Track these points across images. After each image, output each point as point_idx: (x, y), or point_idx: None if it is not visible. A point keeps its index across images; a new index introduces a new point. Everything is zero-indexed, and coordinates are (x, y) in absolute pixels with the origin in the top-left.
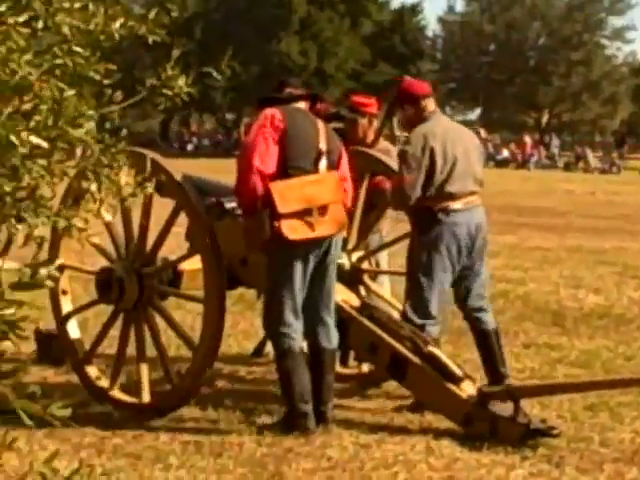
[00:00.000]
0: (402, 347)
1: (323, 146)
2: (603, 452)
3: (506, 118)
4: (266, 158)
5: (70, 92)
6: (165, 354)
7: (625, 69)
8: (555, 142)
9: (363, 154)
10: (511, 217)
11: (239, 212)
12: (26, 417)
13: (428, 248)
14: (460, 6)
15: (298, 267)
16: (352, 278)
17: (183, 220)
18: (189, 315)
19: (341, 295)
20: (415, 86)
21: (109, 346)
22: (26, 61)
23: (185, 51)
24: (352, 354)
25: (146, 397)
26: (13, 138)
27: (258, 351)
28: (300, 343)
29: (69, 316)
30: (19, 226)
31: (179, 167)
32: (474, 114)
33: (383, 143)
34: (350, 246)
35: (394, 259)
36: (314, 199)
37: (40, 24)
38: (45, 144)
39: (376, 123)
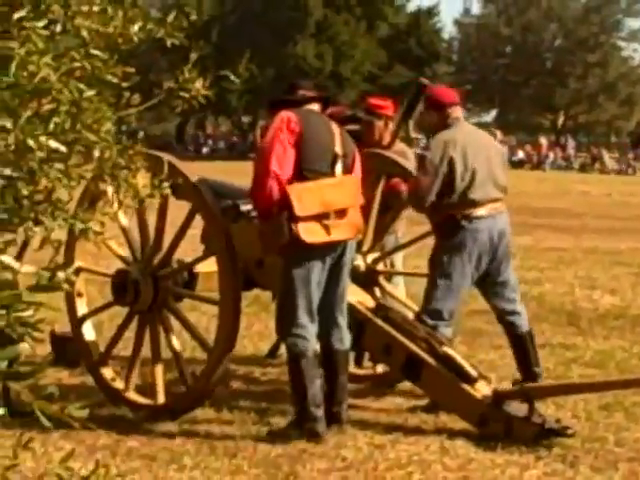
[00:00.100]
0: (417, 348)
1: (339, 149)
2: (618, 452)
3: (522, 120)
4: (283, 162)
5: (90, 92)
6: (180, 356)
7: None
8: (571, 143)
9: (379, 156)
10: (527, 218)
11: (254, 214)
12: (44, 418)
13: (450, 253)
14: (476, 8)
15: (314, 270)
16: (367, 279)
17: (198, 222)
18: (204, 317)
19: (356, 296)
20: (443, 93)
21: (124, 348)
22: (45, 63)
23: (202, 54)
24: (367, 355)
25: (161, 398)
26: (31, 142)
27: (272, 352)
28: (314, 346)
29: (84, 318)
30: (36, 229)
31: (195, 170)
32: (490, 116)
33: (399, 145)
34: (365, 247)
35: (409, 260)
36: (332, 203)
37: (59, 28)
38: (63, 148)
39: (392, 125)
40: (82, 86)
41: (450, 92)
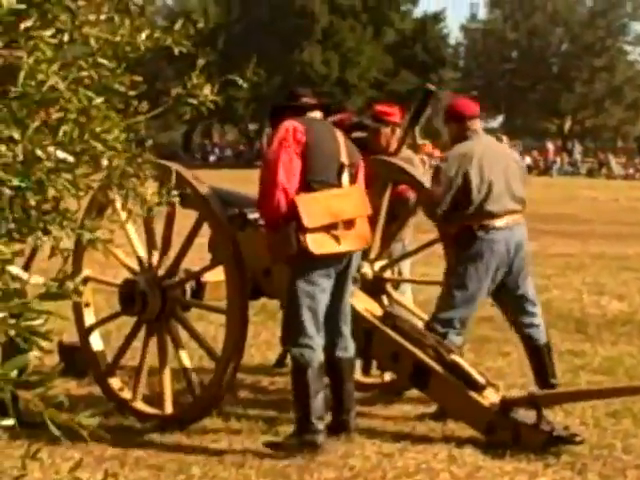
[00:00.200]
0: (425, 356)
1: (345, 159)
2: (626, 459)
3: (528, 125)
4: (290, 174)
5: (99, 100)
6: (187, 365)
7: None
8: (577, 148)
9: (386, 163)
10: (534, 224)
11: (262, 223)
12: (54, 426)
13: (466, 263)
14: (482, 14)
15: (321, 280)
16: (375, 287)
17: (206, 231)
18: (211, 326)
19: (364, 304)
20: (464, 106)
21: (132, 358)
22: (54, 71)
23: (208, 61)
24: (374, 363)
25: (169, 408)
26: (39, 152)
27: (280, 361)
28: (320, 357)
29: (92, 328)
30: (45, 238)
31: (202, 178)
32: (496, 122)
33: (406, 152)
34: (373, 255)
35: (416, 268)
36: (340, 213)
37: (66, 37)
38: (71, 158)
39: (399, 132)
40: (91, 94)
41: (471, 104)
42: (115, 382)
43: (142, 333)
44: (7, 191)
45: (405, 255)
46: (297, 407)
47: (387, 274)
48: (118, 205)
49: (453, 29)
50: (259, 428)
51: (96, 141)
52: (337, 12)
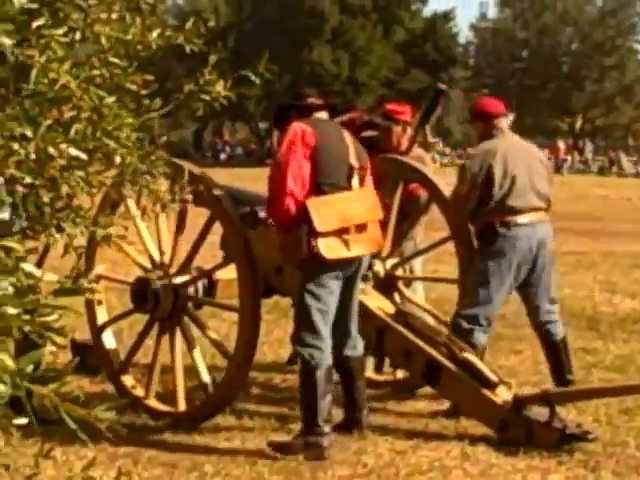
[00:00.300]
0: (437, 353)
1: (354, 161)
2: (639, 456)
3: (539, 124)
4: (299, 178)
5: (110, 99)
6: (200, 363)
7: None
8: (588, 147)
9: (397, 162)
10: None
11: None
12: (71, 421)
13: (488, 259)
14: (492, 13)
15: (330, 283)
16: (387, 285)
17: (217, 229)
18: (224, 324)
19: (376, 302)
20: (490, 105)
21: (144, 355)
22: (65, 70)
23: (219, 59)
24: (387, 361)
25: (182, 406)
26: (52, 150)
27: (292, 359)
28: (329, 359)
29: (104, 326)
30: (58, 236)
31: (213, 176)
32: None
33: (417, 150)
34: (384, 253)
35: (428, 266)
36: (352, 217)
37: (78, 35)
38: (84, 155)
39: (410, 131)
40: (102, 93)
41: (496, 103)
42: (128, 380)
43: (154, 331)
44: (20, 189)
45: (417, 253)
46: (304, 408)
47: (399, 272)
48: (131, 202)
49: (463, 28)
50: (271, 426)
51: (108, 138)
52: (347, 11)
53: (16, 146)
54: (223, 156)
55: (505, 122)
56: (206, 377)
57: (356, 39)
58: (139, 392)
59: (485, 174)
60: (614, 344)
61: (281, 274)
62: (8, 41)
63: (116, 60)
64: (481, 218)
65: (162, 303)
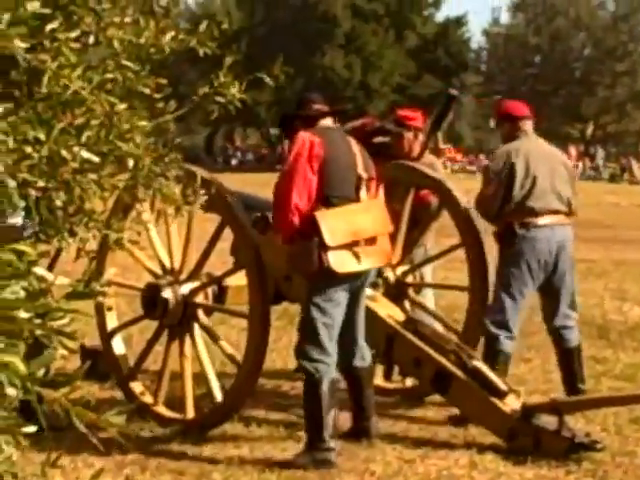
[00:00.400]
0: (446, 361)
1: (362, 172)
2: None
3: (551, 130)
4: (304, 192)
5: (121, 106)
6: (209, 370)
7: None
8: (600, 153)
9: (409, 168)
10: None
11: None
12: (81, 425)
13: (508, 262)
14: (505, 18)
15: (337, 296)
16: (397, 292)
17: (228, 235)
18: (233, 330)
19: (386, 309)
20: (515, 107)
21: (153, 362)
22: (77, 76)
23: (233, 61)
24: (396, 369)
25: (190, 413)
26: (65, 153)
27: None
28: (334, 373)
29: (114, 332)
30: (70, 240)
31: (224, 181)
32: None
33: (428, 157)
34: (395, 260)
35: (438, 273)
36: (361, 231)
37: (91, 39)
38: (96, 158)
39: (421, 137)
40: (113, 99)
41: (521, 106)
42: (137, 386)
43: (164, 337)
44: (33, 192)
45: (427, 260)
46: (309, 423)
47: (409, 279)
48: (142, 206)
49: (475, 33)
50: (280, 433)
51: (121, 142)
52: (359, 16)
53: (29, 149)
54: (234, 161)
55: (529, 125)
56: (215, 384)
57: (368, 44)
58: (148, 398)
59: (507, 173)
60: (624, 353)
61: (290, 281)
62: (22, 44)
63: (129, 63)
64: (501, 219)
65: (171, 309)
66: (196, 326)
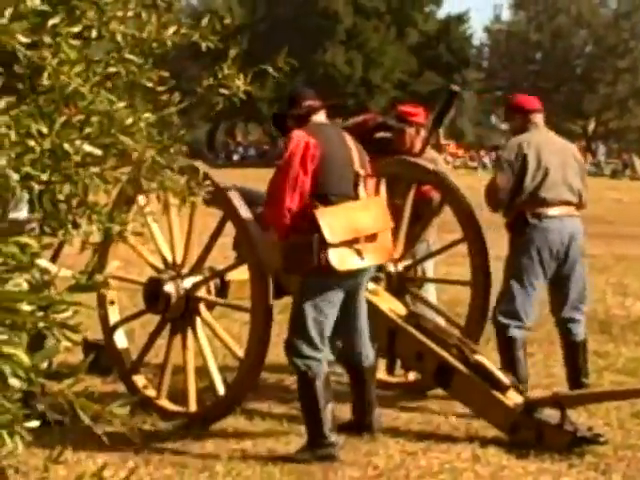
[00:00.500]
0: (448, 355)
1: (359, 168)
2: None
3: (552, 126)
4: (295, 193)
5: (120, 104)
6: (211, 364)
7: None
8: (601, 150)
9: (410, 163)
10: None
11: None
12: (86, 417)
13: (519, 251)
14: (506, 15)
15: (332, 294)
16: (399, 287)
17: (229, 230)
18: (235, 324)
19: (387, 304)
20: (525, 100)
21: (155, 356)
22: (76, 73)
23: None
24: (399, 362)
25: (193, 406)
26: (67, 146)
27: None
28: (326, 369)
29: (116, 326)
30: (74, 232)
31: (225, 176)
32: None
33: (430, 152)
34: (397, 255)
35: (440, 268)
36: (362, 228)
37: (94, 33)
38: (98, 152)
39: (423, 132)
40: (113, 97)
41: (532, 99)
42: (139, 379)
43: (166, 331)
44: (36, 186)
45: (429, 255)
46: (308, 420)
47: (411, 274)
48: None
49: (477, 30)
50: (283, 427)
51: (123, 135)
52: (361, 12)
53: (32, 143)
54: (236, 157)
55: (540, 118)
56: (217, 378)
57: (370, 40)
58: (150, 392)
59: (520, 164)
60: (626, 347)
61: (290, 274)
62: (23, 39)
63: (132, 57)
64: (512, 209)
65: (174, 303)
66: (198, 320)
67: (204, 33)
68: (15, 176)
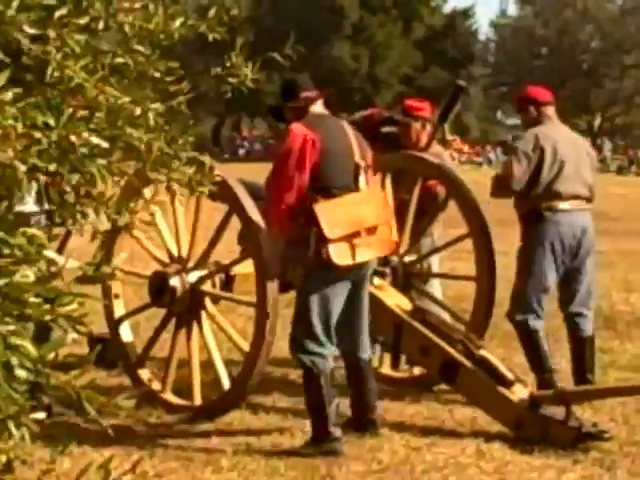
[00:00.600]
0: (454, 350)
1: (359, 159)
2: None
3: None
4: (292, 189)
5: (125, 99)
6: (216, 358)
7: None
8: (607, 145)
9: (416, 158)
10: None
11: None
12: (91, 408)
13: (533, 244)
14: (512, 10)
15: (338, 287)
16: (404, 282)
17: (235, 224)
18: (240, 318)
19: (393, 299)
20: (539, 93)
21: (160, 349)
22: (82, 66)
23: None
24: (403, 358)
25: (198, 400)
26: (74, 138)
27: None
28: (331, 364)
29: (121, 320)
30: (83, 221)
31: (231, 171)
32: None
33: (435, 147)
34: (402, 250)
35: (445, 263)
36: (361, 221)
37: (101, 25)
38: (105, 144)
39: (429, 127)
40: (117, 93)
41: (544, 91)
42: (144, 373)
43: (171, 324)
44: (42, 177)
45: (434, 250)
46: (313, 416)
47: (416, 269)
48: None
49: (483, 25)
50: (288, 420)
51: (130, 127)
52: (367, 7)
53: (38, 135)
54: (241, 151)
55: (552, 110)
56: (222, 372)
57: (376, 35)
58: (156, 385)
59: (537, 157)
60: (631, 343)
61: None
62: (30, 30)
63: (140, 47)
64: (527, 202)
65: (179, 297)
66: (203, 314)
67: (211, 24)
68: (22, 167)
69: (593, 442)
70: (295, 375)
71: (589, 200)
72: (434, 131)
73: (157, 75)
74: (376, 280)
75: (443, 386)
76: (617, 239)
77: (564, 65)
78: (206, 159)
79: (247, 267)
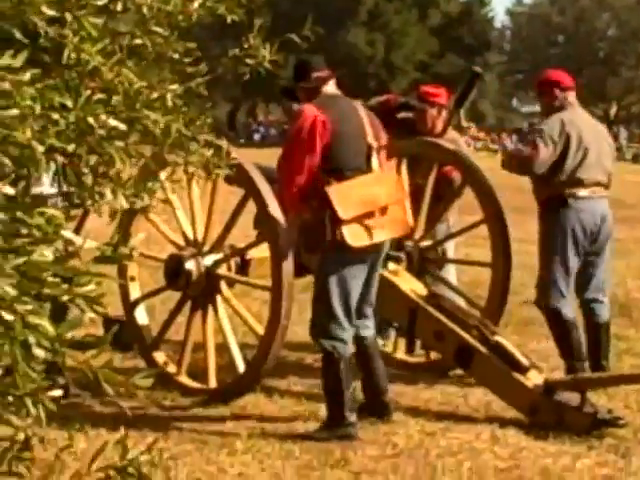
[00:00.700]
0: (469, 336)
1: (371, 140)
2: None
3: None
4: (304, 170)
5: (142, 83)
6: (231, 341)
7: None
8: (623, 134)
9: (431, 144)
10: None
11: None
12: (108, 387)
13: (555, 231)
14: None
15: (357, 269)
16: (419, 267)
17: (251, 208)
18: (255, 302)
19: (408, 284)
20: (562, 77)
21: (175, 332)
22: (98, 50)
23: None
24: (418, 343)
25: (213, 383)
26: (91, 120)
27: None
28: (351, 349)
29: (137, 302)
30: (101, 202)
31: (246, 156)
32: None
33: (451, 133)
34: (418, 236)
35: (460, 249)
36: (375, 201)
37: (119, 6)
38: (123, 126)
39: (445, 113)
40: (132, 76)
41: (566, 76)
42: (160, 356)
43: (187, 308)
44: (60, 158)
45: (449, 236)
46: (330, 400)
47: (432, 255)
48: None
49: (499, 12)
50: (302, 404)
51: (148, 110)
52: None
53: (56, 116)
54: (257, 136)
55: (574, 96)
56: (238, 355)
57: (392, 21)
58: (171, 368)
59: (562, 143)
60: None
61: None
62: (49, 11)
63: (158, 29)
64: (549, 188)
65: (194, 280)
66: (219, 297)
67: (230, 6)
68: (40, 148)
69: (608, 429)
70: (310, 359)
71: (607, 187)
72: (450, 117)
73: (175, 56)
74: (391, 265)
75: (458, 371)
76: (633, 227)
77: (580, 53)
78: (223, 143)
79: (263, 251)
